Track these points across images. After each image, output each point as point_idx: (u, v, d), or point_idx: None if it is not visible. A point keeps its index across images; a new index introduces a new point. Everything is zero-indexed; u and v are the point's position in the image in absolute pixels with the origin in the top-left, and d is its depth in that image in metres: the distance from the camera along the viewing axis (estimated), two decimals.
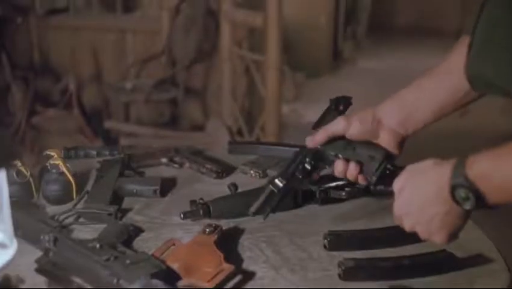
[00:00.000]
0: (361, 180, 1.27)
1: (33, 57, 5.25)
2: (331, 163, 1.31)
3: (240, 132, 4.67)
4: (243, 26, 4.42)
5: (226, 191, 1.57)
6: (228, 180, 1.65)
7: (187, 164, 1.74)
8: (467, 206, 0.96)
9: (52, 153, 1.57)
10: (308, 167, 1.29)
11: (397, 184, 1.09)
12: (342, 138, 1.30)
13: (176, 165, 1.74)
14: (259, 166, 1.71)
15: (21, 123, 4.68)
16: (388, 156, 1.24)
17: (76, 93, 4.86)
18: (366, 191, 1.38)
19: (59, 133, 4.62)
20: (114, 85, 4.87)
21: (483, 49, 1.00)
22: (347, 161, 1.27)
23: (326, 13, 7.19)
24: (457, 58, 1.12)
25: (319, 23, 7.21)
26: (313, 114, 6.14)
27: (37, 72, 5.10)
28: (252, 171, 1.70)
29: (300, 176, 1.29)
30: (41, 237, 1.22)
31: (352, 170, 1.27)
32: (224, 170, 1.71)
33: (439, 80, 1.20)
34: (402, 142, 1.27)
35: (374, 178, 1.23)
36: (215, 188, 1.60)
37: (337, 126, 1.30)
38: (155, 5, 5.19)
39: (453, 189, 0.96)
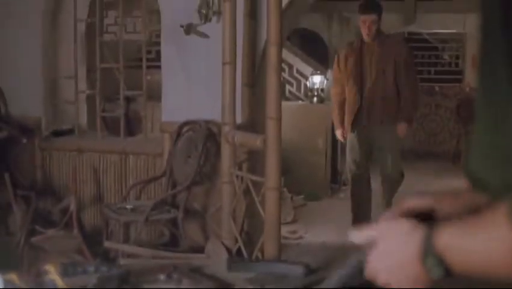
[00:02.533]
0: None
1: (35, 177, 5.32)
2: None
3: (239, 253, 4.64)
4: (243, 148, 4.52)
5: None
6: None
7: (186, 281, 1.74)
8: (435, 275, 0.97)
9: (50, 268, 1.57)
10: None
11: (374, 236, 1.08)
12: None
13: (174, 282, 1.74)
14: (259, 283, 1.70)
15: (20, 243, 4.67)
16: None
17: (77, 213, 4.88)
18: None
19: (58, 253, 4.59)
20: (114, 206, 4.90)
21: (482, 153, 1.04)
22: None
23: (325, 136, 7.34)
24: None
25: (318, 146, 7.35)
26: (312, 236, 6.08)
27: (38, 192, 5.15)
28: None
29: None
30: None
31: None
32: (223, 287, 1.71)
33: None
34: None
35: None
36: None
37: (422, 200, 1.20)
38: (157, 128, 5.33)
39: (423, 257, 0.98)
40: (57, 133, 5.43)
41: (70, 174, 5.14)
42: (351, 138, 5.64)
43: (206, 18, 4.83)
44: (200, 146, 4.77)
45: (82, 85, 5.60)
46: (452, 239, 0.95)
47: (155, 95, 5.46)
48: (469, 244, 0.93)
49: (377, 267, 1.06)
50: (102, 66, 5.41)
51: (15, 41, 5.30)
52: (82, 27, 5.59)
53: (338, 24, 10.07)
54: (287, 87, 8.12)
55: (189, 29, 4.89)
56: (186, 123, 4.97)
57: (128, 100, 5.81)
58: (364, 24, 5.39)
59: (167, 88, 5.08)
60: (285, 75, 7.98)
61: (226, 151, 4.45)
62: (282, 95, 7.80)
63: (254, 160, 4.66)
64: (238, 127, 4.48)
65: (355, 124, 5.53)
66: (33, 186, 5.23)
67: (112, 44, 5.79)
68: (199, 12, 4.81)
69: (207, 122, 4.83)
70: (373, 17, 5.38)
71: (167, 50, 5.08)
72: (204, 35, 4.87)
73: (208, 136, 4.80)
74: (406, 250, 1.01)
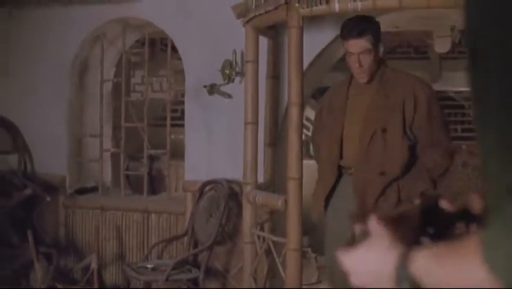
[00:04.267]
0: None
1: (58, 234, 5.35)
2: None
3: None
4: (265, 208, 4.50)
5: None
6: None
7: None
8: None
9: None
10: None
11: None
12: None
13: None
14: None
15: None
16: None
17: (98, 272, 4.87)
18: None
19: None
20: (135, 265, 4.88)
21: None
22: None
23: None
24: None
25: None
26: None
27: (60, 249, 5.16)
28: None
29: None
30: None
31: None
32: None
33: None
34: None
35: None
36: None
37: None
38: (180, 186, 5.35)
39: (398, 280, 0.99)
40: (81, 191, 5.47)
41: (92, 232, 5.15)
42: (329, 225, 3.58)
43: (229, 79, 4.89)
44: (222, 205, 4.77)
45: (107, 143, 5.67)
46: (426, 265, 0.97)
47: (178, 154, 5.49)
48: (442, 272, 0.95)
49: (355, 268, 1.08)
50: (126, 125, 5.48)
51: (42, 100, 5.41)
52: (108, 87, 5.69)
53: None
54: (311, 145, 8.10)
55: (212, 89, 4.96)
56: (208, 182, 4.98)
57: (152, 158, 5.86)
58: (351, 56, 3.22)
59: (190, 147, 5.12)
60: (309, 133, 7.98)
61: (247, 211, 4.44)
62: (305, 153, 7.82)
63: (276, 220, 4.63)
64: (260, 187, 4.47)
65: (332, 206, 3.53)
66: (56, 244, 5.25)
67: (137, 103, 5.88)
68: (222, 72, 4.89)
69: (229, 181, 4.84)
70: (362, 42, 3.17)
71: (190, 110, 5.14)
72: (227, 95, 4.92)
73: (229, 196, 4.79)
74: (383, 268, 1.03)
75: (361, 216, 1.11)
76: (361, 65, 3.21)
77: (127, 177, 5.61)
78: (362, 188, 3.24)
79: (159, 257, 5.11)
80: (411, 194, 3.08)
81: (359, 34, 3.19)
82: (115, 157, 5.68)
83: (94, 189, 5.54)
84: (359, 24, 3.21)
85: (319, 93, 10.11)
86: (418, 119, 3.19)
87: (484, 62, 0.90)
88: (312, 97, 9.27)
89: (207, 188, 5.00)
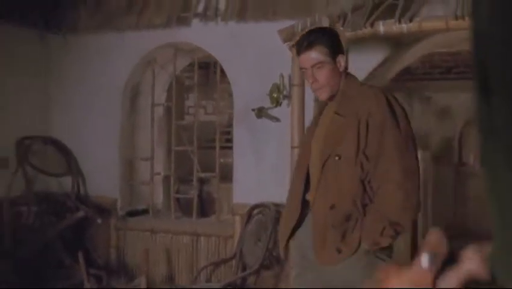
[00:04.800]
0: None
1: (109, 256, 5.43)
2: None
3: None
4: None
5: None
6: None
7: None
8: None
9: None
10: None
11: None
12: None
13: None
14: None
15: None
16: None
17: None
18: None
19: None
20: (184, 287, 4.90)
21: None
22: None
23: (405, 238, 7.12)
24: None
25: (398, 248, 7.12)
26: None
27: (111, 271, 5.23)
28: None
29: None
30: None
31: None
32: None
33: None
34: None
35: None
36: None
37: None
38: (229, 210, 5.35)
39: None
40: (132, 214, 5.54)
41: (142, 254, 5.20)
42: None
43: (277, 102, 4.89)
44: (269, 229, 4.75)
45: (158, 166, 5.74)
46: None
47: (228, 177, 5.51)
48: None
49: None
50: (176, 148, 5.54)
51: (94, 123, 5.54)
52: (159, 110, 5.78)
53: (419, 103, 9.95)
54: None
55: (260, 112, 4.96)
56: (256, 206, 4.97)
57: (202, 181, 5.90)
58: (306, 71, 2.84)
59: (239, 170, 5.13)
60: None
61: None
62: None
63: None
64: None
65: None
66: (107, 265, 5.32)
67: (188, 127, 5.94)
68: (270, 96, 4.89)
69: (276, 205, 4.81)
70: (314, 54, 2.77)
71: (239, 133, 5.16)
72: (275, 119, 4.92)
73: (277, 220, 4.76)
74: None
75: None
76: (316, 80, 2.77)
77: (177, 200, 5.66)
78: (317, 225, 2.71)
79: (208, 280, 5.11)
80: (372, 237, 2.58)
81: (309, 46, 2.78)
82: (166, 180, 5.74)
83: (145, 212, 5.61)
84: (309, 36, 2.84)
85: None
86: (369, 145, 2.66)
87: (496, 98, 0.86)
88: None
89: (255, 211, 4.99)
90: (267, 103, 4.91)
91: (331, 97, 2.80)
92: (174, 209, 5.53)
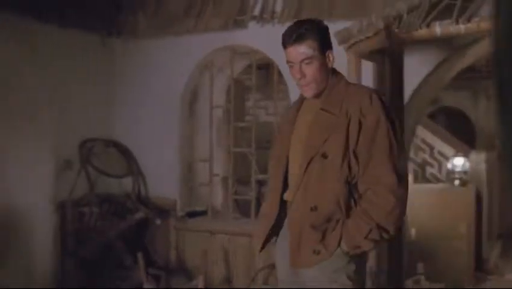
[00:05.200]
0: None
1: (169, 257, 5.51)
2: None
3: None
4: None
5: None
6: None
7: None
8: None
9: None
10: None
11: None
12: None
13: None
14: None
15: None
16: None
17: None
18: None
19: None
20: None
21: None
22: None
23: (468, 221, 6.96)
24: None
25: (459, 231, 6.97)
26: None
27: (170, 271, 5.32)
28: None
29: None
30: None
31: None
32: None
33: None
34: None
35: None
36: None
37: None
38: None
39: None
40: (191, 215, 5.61)
41: (201, 255, 5.26)
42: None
43: None
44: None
45: (217, 168, 5.79)
46: None
47: None
48: None
49: None
50: (235, 150, 5.58)
51: (154, 126, 5.64)
52: (218, 112, 5.83)
53: (484, 101, 9.70)
54: (427, 168, 7.86)
55: None
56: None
57: (261, 183, 5.91)
58: (292, 66, 2.61)
59: None
60: (426, 156, 7.76)
61: None
62: (421, 176, 7.58)
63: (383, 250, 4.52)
64: None
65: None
66: (166, 266, 5.41)
67: (247, 128, 5.96)
68: None
69: None
70: (303, 49, 2.57)
71: None
72: None
73: None
74: None
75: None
76: (303, 76, 2.57)
77: (236, 201, 5.70)
78: (294, 226, 2.54)
79: (265, 282, 5.12)
80: (354, 239, 2.41)
81: (298, 39, 2.55)
82: (225, 181, 5.79)
83: (203, 213, 5.67)
84: (299, 28, 2.58)
85: (441, 114, 9.84)
86: (360, 146, 2.47)
87: None
88: (432, 118, 9.04)
89: None
90: None
91: (317, 95, 2.60)
92: (233, 210, 5.57)
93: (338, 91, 2.58)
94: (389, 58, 3.80)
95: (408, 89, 4.35)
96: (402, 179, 2.45)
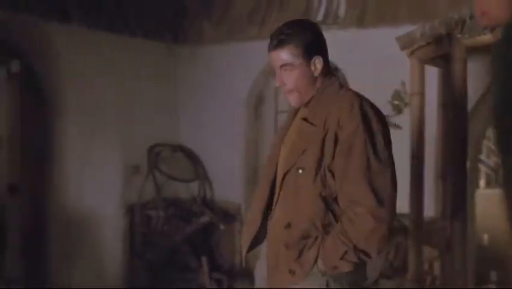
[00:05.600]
0: None
1: (234, 261, 5.57)
2: None
3: None
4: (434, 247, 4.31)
5: None
6: None
7: None
8: None
9: None
10: None
11: None
12: None
13: None
14: None
15: None
16: None
17: None
18: None
19: None
20: None
21: None
22: None
23: None
24: None
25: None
26: None
27: (234, 275, 5.37)
28: None
29: None
30: None
31: None
32: None
33: None
34: None
35: None
36: None
37: None
38: None
39: None
40: None
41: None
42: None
43: (398, 110, 4.78)
44: (391, 241, 4.65)
45: None
46: None
47: None
48: None
49: None
50: None
51: (220, 131, 5.71)
52: (283, 117, 5.84)
53: None
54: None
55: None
56: None
57: None
58: (276, 72, 2.42)
59: None
60: (499, 159, 7.50)
61: (412, 248, 4.28)
62: (495, 181, 7.35)
63: (447, 258, 4.42)
64: (431, 221, 4.31)
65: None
66: (231, 270, 5.46)
67: None
68: (392, 103, 4.79)
69: (399, 215, 4.70)
70: (283, 55, 2.36)
71: None
72: (396, 127, 4.80)
73: (399, 230, 4.66)
74: None
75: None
76: (283, 84, 2.37)
77: None
78: (271, 244, 2.38)
79: None
80: (331, 259, 2.21)
81: (279, 44, 2.35)
82: None
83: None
84: (282, 32, 2.37)
85: None
86: (335, 161, 2.24)
87: None
88: None
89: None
90: (388, 111, 4.81)
91: (304, 104, 2.40)
92: None
93: (326, 98, 2.36)
94: (452, 63, 3.70)
95: (475, 94, 4.24)
96: (382, 200, 2.19)
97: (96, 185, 5.37)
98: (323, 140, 2.26)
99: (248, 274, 5.50)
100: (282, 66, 2.35)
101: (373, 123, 2.25)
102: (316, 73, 2.36)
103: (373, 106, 2.31)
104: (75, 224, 5.50)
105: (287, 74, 2.35)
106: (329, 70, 2.43)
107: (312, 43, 2.36)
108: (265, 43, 5.79)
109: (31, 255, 5.75)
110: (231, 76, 5.68)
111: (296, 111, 2.50)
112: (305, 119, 2.35)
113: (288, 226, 2.29)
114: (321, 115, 2.30)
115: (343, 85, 2.43)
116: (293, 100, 2.39)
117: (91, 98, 5.48)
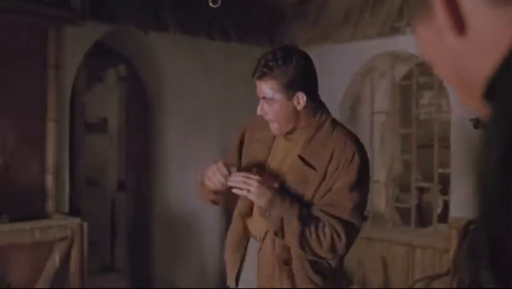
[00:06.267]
0: None
1: None
2: None
3: None
4: None
5: None
6: None
7: None
8: None
9: None
10: None
11: None
12: None
13: None
14: None
15: None
16: None
17: None
18: None
19: None
20: None
21: None
22: None
23: None
24: None
25: None
26: None
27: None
28: None
29: None
30: None
31: None
32: None
33: None
34: None
35: None
36: None
37: None
38: (447, 222, 5.18)
39: None
40: None
41: (357, 262, 5.27)
42: None
43: None
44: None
45: (379, 174, 5.74)
46: None
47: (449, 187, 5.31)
48: None
49: None
50: (397, 156, 5.50)
51: None
52: (379, 118, 5.78)
53: None
54: None
55: (477, 123, 4.71)
56: (472, 222, 4.73)
57: (422, 190, 5.75)
58: (260, 101, 2.38)
59: (456, 181, 4.93)
60: None
61: None
62: None
63: None
64: None
65: None
66: None
67: (408, 135, 5.83)
68: None
69: None
70: (263, 87, 2.32)
71: (455, 143, 4.96)
72: None
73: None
74: None
75: None
76: (265, 114, 2.35)
77: (397, 208, 5.62)
78: (263, 279, 2.40)
79: None
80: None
81: (261, 77, 2.29)
82: (387, 187, 5.73)
83: (364, 219, 5.66)
84: (265, 64, 2.27)
85: None
86: (326, 197, 2.28)
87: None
88: None
89: (471, 227, 4.76)
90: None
91: (287, 133, 2.39)
92: (392, 217, 5.50)
93: (321, 137, 2.35)
94: None
95: None
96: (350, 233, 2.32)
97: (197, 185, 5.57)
98: (319, 186, 2.30)
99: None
100: (263, 97, 2.33)
101: (366, 169, 2.34)
102: (299, 107, 2.31)
103: (361, 145, 2.37)
104: (178, 224, 5.77)
105: (267, 106, 2.33)
106: (319, 104, 2.40)
107: (294, 80, 2.28)
108: (358, 44, 5.74)
109: (137, 251, 6.10)
110: (324, 78, 5.67)
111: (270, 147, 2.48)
112: (301, 158, 2.34)
113: (287, 262, 2.34)
114: (319, 158, 2.31)
115: (334, 121, 2.42)
116: (275, 130, 2.39)
117: (191, 102, 5.70)
